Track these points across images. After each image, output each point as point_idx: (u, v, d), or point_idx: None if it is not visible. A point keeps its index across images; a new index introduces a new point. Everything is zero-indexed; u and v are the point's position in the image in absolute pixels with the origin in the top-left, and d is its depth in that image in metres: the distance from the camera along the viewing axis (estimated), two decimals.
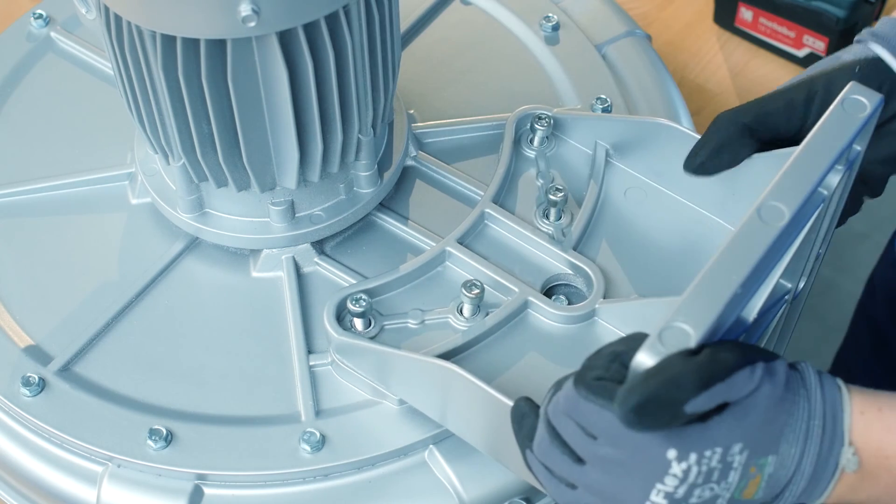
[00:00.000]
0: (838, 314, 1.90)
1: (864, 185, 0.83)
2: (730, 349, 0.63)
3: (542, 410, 0.68)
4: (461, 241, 0.85)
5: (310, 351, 0.84)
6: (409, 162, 0.92)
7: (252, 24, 0.70)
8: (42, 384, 0.83)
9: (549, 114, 0.90)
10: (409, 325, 0.81)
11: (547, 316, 0.81)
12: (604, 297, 0.81)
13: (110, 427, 0.81)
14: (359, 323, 0.80)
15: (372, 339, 0.80)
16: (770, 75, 1.16)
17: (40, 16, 1.02)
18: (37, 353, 0.85)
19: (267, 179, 0.82)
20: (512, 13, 1.03)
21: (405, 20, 1.02)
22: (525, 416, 0.70)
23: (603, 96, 0.96)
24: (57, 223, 0.92)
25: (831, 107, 0.71)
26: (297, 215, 0.87)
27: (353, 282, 0.86)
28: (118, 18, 0.75)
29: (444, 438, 0.81)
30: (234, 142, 0.79)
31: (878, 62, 0.80)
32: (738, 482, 0.64)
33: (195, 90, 0.75)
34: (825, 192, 0.73)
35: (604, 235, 0.86)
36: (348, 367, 0.82)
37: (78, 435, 0.81)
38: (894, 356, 1.24)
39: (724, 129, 0.79)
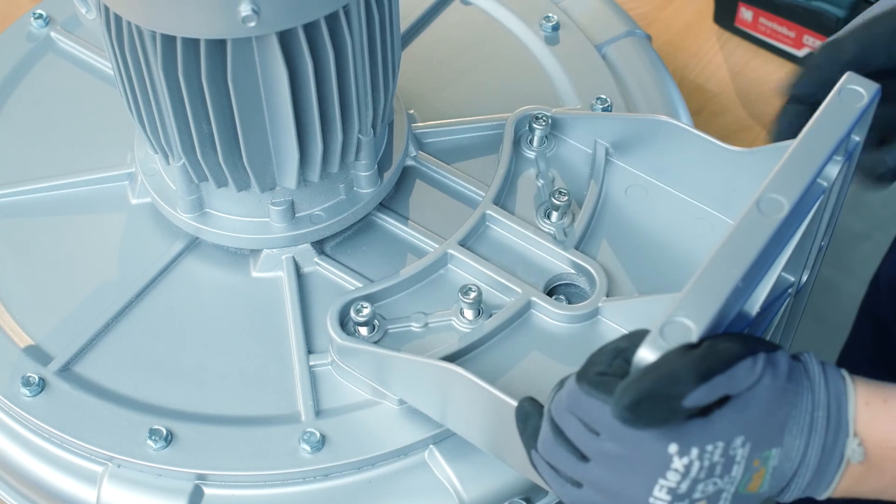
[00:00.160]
0: (839, 314, 1.90)
1: None
2: (730, 341, 0.63)
3: (546, 409, 0.68)
4: (463, 244, 0.85)
5: (310, 351, 0.84)
6: (409, 162, 0.92)
7: (252, 24, 0.70)
8: (42, 384, 0.83)
9: (547, 114, 0.90)
10: (413, 328, 0.81)
11: (550, 316, 0.81)
12: (606, 296, 0.81)
13: (110, 427, 0.81)
14: (363, 329, 0.80)
15: (376, 343, 0.80)
16: (770, 75, 1.16)
17: (40, 16, 1.02)
18: (37, 353, 0.85)
19: (267, 179, 0.82)
20: (512, 13, 1.03)
21: (405, 20, 1.02)
22: (529, 416, 0.70)
23: (603, 96, 0.96)
24: (57, 223, 0.92)
25: (829, 97, 0.71)
26: (297, 215, 0.87)
27: (354, 281, 0.86)
28: (118, 18, 0.75)
29: (444, 438, 0.81)
30: (234, 142, 0.79)
31: None
32: (742, 476, 0.64)
33: (195, 90, 0.75)
34: (825, 184, 0.73)
35: (605, 234, 0.86)
36: (349, 368, 0.81)
37: (78, 435, 0.81)
38: None
39: (825, 71, 0.74)
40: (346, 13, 0.75)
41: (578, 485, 0.66)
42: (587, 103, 0.96)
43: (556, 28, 1.02)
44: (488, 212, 0.86)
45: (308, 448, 0.80)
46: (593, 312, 0.81)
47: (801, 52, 1.15)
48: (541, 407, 0.70)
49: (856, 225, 2.02)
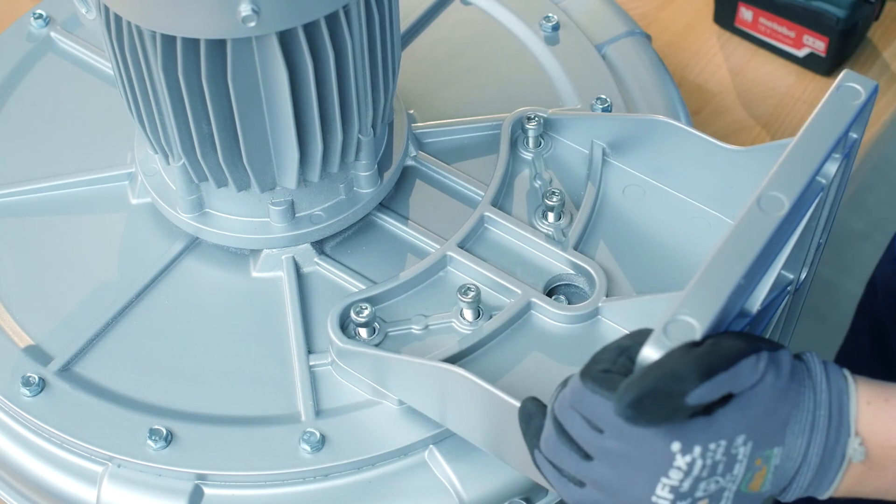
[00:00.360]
0: (838, 314, 1.90)
1: None
2: (733, 339, 0.63)
3: (549, 408, 0.68)
4: (462, 246, 0.85)
5: (310, 351, 0.84)
6: (409, 162, 0.92)
7: (252, 24, 0.70)
8: (42, 384, 0.83)
9: (539, 114, 0.90)
10: (413, 330, 0.81)
11: (550, 316, 0.81)
12: (606, 296, 0.81)
13: (110, 427, 0.81)
14: (363, 331, 0.80)
15: (376, 346, 0.80)
16: (770, 75, 1.16)
17: (40, 16, 1.02)
18: (37, 353, 0.85)
19: (267, 179, 0.82)
20: (512, 13, 1.03)
21: (405, 20, 1.02)
22: (532, 416, 0.70)
23: (603, 96, 0.96)
24: (57, 223, 0.92)
25: (826, 95, 0.72)
26: (297, 215, 0.87)
27: (354, 281, 0.86)
28: (118, 18, 0.75)
29: (444, 438, 0.81)
30: (234, 142, 0.79)
31: None
32: (744, 475, 0.64)
33: (195, 90, 0.75)
34: (823, 181, 0.73)
35: (604, 234, 0.86)
36: (350, 369, 0.82)
37: (78, 435, 0.81)
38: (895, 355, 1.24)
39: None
40: (346, 13, 0.75)
41: (581, 484, 0.66)
42: (587, 103, 0.96)
43: (556, 28, 1.02)
44: (487, 213, 0.86)
45: (308, 448, 0.80)
46: (593, 312, 0.81)
47: (801, 52, 1.15)
48: (544, 407, 0.70)
49: (855, 225, 2.02)
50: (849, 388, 0.66)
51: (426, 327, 0.81)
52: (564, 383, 0.67)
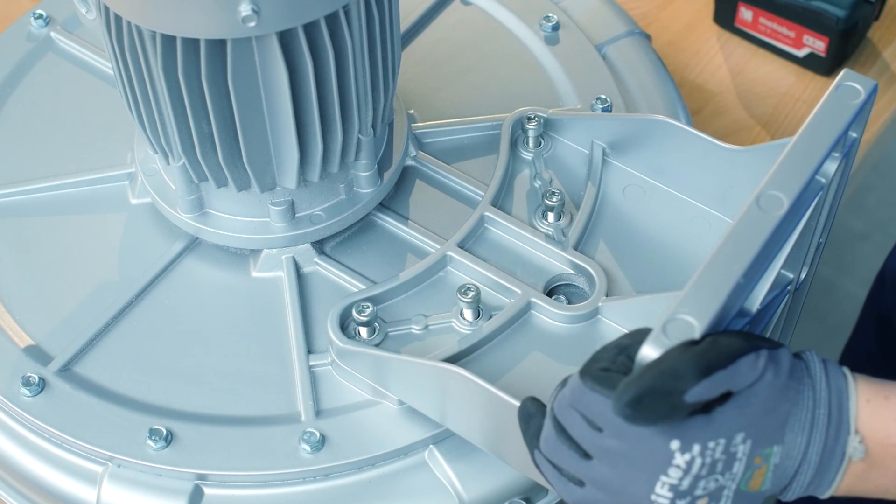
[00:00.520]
0: (838, 314, 1.90)
1: None
2: (732, 337, 0.63)
3: (549, 407, 0.68)
4: (462, 246, 0.85)
5: (310, 351, 0.84)
6: (409, 162, 0.92)
7: (252, 24, 0.70)
8: (42, 384, 0.83)
9: (539, 114, 0.90)
10: (413, 330, 0.81)
11: (550, 316, 0.81)
12: (606, 296, 0.81)
13: (110, 427, 0.81)
14: (363, 331, 0.81)
15: (376, 346, 0.80)
16: (770, 75, 1.16)
17: (40, 16, 1.02)
18: (37, 353, 0.85)
19: (267, 179, 0.82)
20: (512, 13, 1.03)
21: (405, 20, 1.02)
22: (532, 415, 0.70)
23: (603, 96, 0.96)
24: (57, 223, 0.92)
25: (826, 94, 0.72)
26: (297, 215, 0.87)
27: (354, 281, 0.86)
28: (118, 18, 0.75)
29: (444, 438, 0.81)
30: (234, 142, 0.79)
31: None
32: (744, 473, 0.64)
33: (195, 90, 0.75)
34: (823, 181, 0.73)
35: (604, 234, 0.86)
36: (350, 369, 0.82)
37: (78, 435, 0.81)
38: None
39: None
40: (346, 13, 0.75)
41: (581, 483, 0.66)
42: (587, 103, 0.96)
43: (556, 28, 1.02)
44: (487, 213, 0.86)
45: (308, 448, 0.80)
46: (593, 312, 0.81)
47: (801, 53, 1.15)
48: (543, 407, 0.70)
49: (855, 225, 2.02)
50: (848, 386, 0.66)
51: (426, 327, 0.81)
52: (564, 383, 0.67)
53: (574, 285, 0.84)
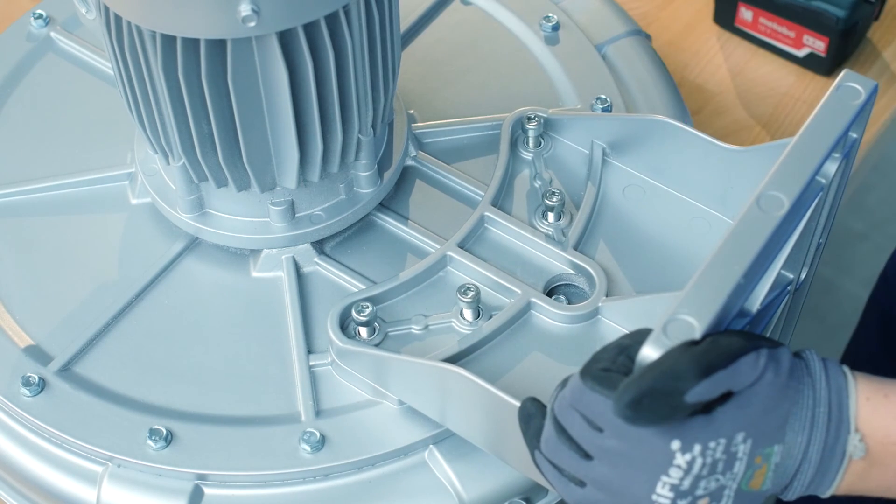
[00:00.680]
0: (838, 314, 1.90)
1: None
2: (732, 336, 0.63)
3: (549, 408, 0.68)
4: (462, 246, 0.85)
5: (310, 351, 0.84)
6: (409, 162, 0.92)
7: (252, 24, 0.70)
8: (42, 384, 0.83)
9: (540, 114, 0.90)
10: (413, 330, 0.81)
11: (550, 316, 0.81)
12: (606, 296, 0.81)
13: (110, 427, 0.81)
14: (363, 331, 0.81)
15: (376, 346, 0.80)
16: (770, 75, 1.16)
17: (40, 16, 1.02)
18: (37, 353, 0.85)
19: (267, 179, 0.82)
20: (512, 13, 1.03)
21: (405, 20, 1.02)
22: (532, 416, 0.70)
23: (603, 96, 0.96)
24: (57, 223, 0.92)
25: (826, 95, 0.72)
26: (297, 215, 0.87)
27: (354, 281, 0.86)
28: (118, 18, 0.75)
29: (444, 438, 0.81)
30: (234, 142, 0.79)
31: None
32: (745, 472, 0.64)
33: (195, 90, 0.75)
34: (823, 181, 0.73)
35: (604, 234, 0.86)
36: (350, 369, 0.82)
37: (78, 435, 0.81)
38: None
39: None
40: (346, 13, 0.75)
41: (582, 484, 0.66)
42: (587, 103, 0.96)
43: (556, 28, 1.02)
44: (486, 213, 0.86)
45: (308, 448, 0.80)
46: (593, 312, 0.81)
47: (801, 53, 1.15)
48: (543, 407, 0.70)
49: (855, 225, 2.02)
50: (848, 384, 0.66)
51: (426, 327, 0.81)
52: (564, 383, 0.67)
53: (574, 285, 0.84)
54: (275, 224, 0.86)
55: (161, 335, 0.85)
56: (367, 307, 0.80)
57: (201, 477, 0.80)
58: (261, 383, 0.83)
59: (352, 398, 0.82)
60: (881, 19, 1.18)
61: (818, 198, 0.73)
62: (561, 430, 0.66)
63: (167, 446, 0.80)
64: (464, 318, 0.81)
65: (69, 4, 1.00)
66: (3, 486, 0.85)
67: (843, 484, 0.67)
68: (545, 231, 0.86)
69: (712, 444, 0.63)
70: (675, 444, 0.62)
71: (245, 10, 0.70)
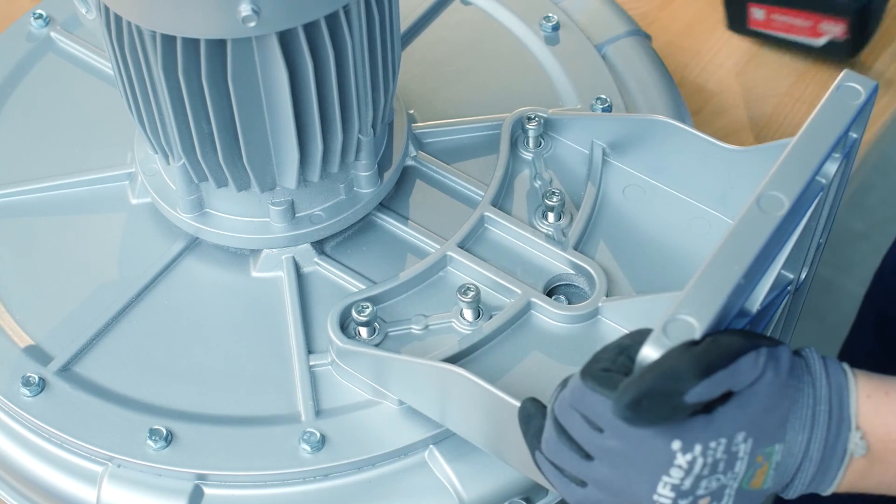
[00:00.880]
0: (838, 314, 1.90)
1: None
2: (732, 336, 0.63)
3: (549, 408, 0.68)
4: (462, 246, 0.85)
5: (310, 351, 0.84)
6: (409, 162, 0.92)
7: (252, 24, 0.70)
8: (42, 384, 0.83)
9: (540, 114, 0.90)
10: (413, 330, 0.81)
11: (550, 316, 0.81)
12: (606, 296, 0.81)
13: (110, 427, 0.81)
14: (363, 331, 0.81)
15: (376, 346, 0.80)
16: (770, 75, 1.16)
17: (40, 16, 1.02)
18: (37, 353, 0.85)
19: (267, 179, 0.82)
20: (512, 13, 1.03)
21: (405, 20, 1.02)
22: (532, 416, 0.70)
23: (603, 96, 0.96)
24: (57, 223, 0.92)
25: (826, 95, 0.72)
26: (297, 215, 0.87)
27: (354, 281, 0.86)
28: (118, 18, 0.75)
29: (444, 438, 0.81)
30: (234, 142, 0.79)
31: None
32: (746, 472, 0.64)
33: (195, 90, 0.75)
34: (823, 181, 0.73)
35: (604, 234, 0.86)
36: (350, 369, 0.82)
37: (78, 435, 0.81)
38: None
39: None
40: (346, 13, 0.75)
41: (583, 484, 0.66)
42: (587, 103, 0.96)
43: (556, 28, 1.02)
44: (487, 213, 0.86)
45: (308, 448, 0.80)
46: (593, 312, 0.81)
47: (820, 41, 1.11)
48: (543, 407, 0.70)
49: (855, 225, 2.02)
50: (848, 382, 0.66)
51: (426, 327, 0.81)
52: (564, 383, 0.67)
53: (574, 285, 0.84)
54: (275, 224, 0.86)
55: (161, 335, 0.85)
56: (367, 307, 0.80)
57: (201, 477, 0.80)
58: (261, 383, 0.83)
59: (352, 398, 0.82)
60: (881, 19, 1.18)
61: (818, 198, 0.73)
62: (561, 430, 0.66)
63: (167, 446, 0.80)
64: (464, 318, 0.81)
65: (69, 4, 1.00)
66: (3, 486, 0.85)
67: (844, 482, 0.67)
68: (545, 231, 0.86)
69: (713, 444, 0.63)
70: (676, 445, 0.62)
71: (245, 10, 0.70)
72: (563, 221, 0.86)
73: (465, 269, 0.84)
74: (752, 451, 0.64)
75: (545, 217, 0.86)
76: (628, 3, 1.19)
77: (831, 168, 0.73)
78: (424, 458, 0.81)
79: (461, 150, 0.93)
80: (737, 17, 1.17)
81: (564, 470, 0.67)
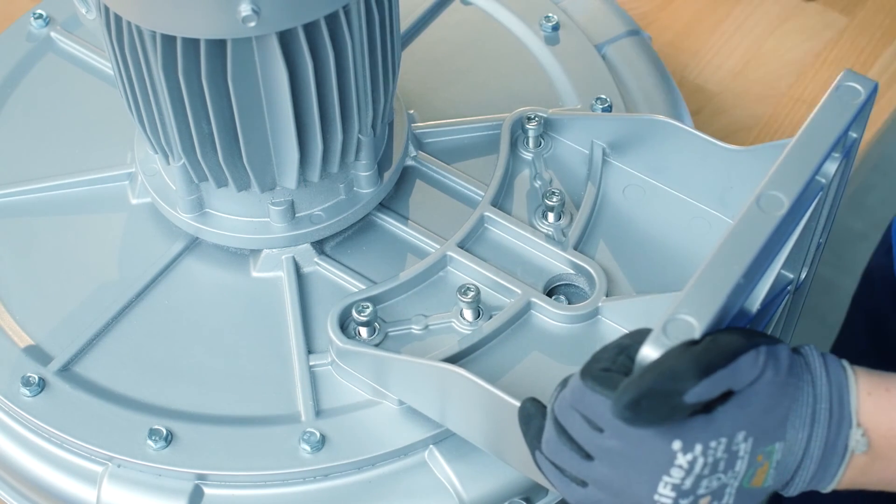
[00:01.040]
0: (838, 314, 1.89)
1: None
2: (731, 335, 0.63)
3: (549, 408, 0.68)
4: (462, 246, 0.85)
5: (310, 351, 0.84)
6: (409, 162, 0.92)
7: (252, 24, 0.70)
8: (42, 384, 0.83)
9: (540, 114, 0.90)
10: (413, 330, 0.81)
11: (550, 316, 0.81)
12: (606, 296, 0.81)
13: (110, 427, 0.81)
14: (363, 331, 0.81)
15: (376, 346, 0.80)
16: (770, 75, 1.16)
17: (40, 16, 1.02)
18: (37, 353, 0.85)
19: (267, 179, 0.82)
20: (512, 13, 1.03)
21: (405, 20, 1.02)
22: (532, 416, 0.70)
23: (603, 96, 0.96)
24: (57, 223, 0.92)
25: (826, 95, 0.72)
26: (297, 215, 0.87)
27: (354, 281, 0.86)
28: (118, 18, 0.75)
29: (444, 438, 0.81)
30: (234, 142, 0.79)
31: None
32: (746, 471, 0.64)
33: (195, 90, 0.75)
34: (823, 181, 0.73)
35: (604, 234, 0.86)
36: (350, 369, 0.82)
37: (78, 435, 0.81)
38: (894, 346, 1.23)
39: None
40: (346, 13, 0.75)
41: (583, 484, 0.66)
42: (587, 103, 0.96)
43: (556, 28, 1.02)
44: (486, 213, 0.86)
45: (308, 448, 0.80)
46: (593, 312, 0.81)
47: None
48: (543, 407, 0.70)
49: (855, 225, 2.02)
50: (848, 379, 0.66)
51: (426, 327, 0.81)
52: (564, 383, 0.67)
53: (574, 285, 0.84)
54: (275, 224, 0.86)
55: (161, 335, 0.85)
56: (368, 307, 0.80)
57: (201, 477, 0.80)
58: (261, 383, 0.83)
59: (352, 398, 0.82)
60: (881, 19, 1.18)
61: (818, 198, 0.73)
62: (561, 430, 0.66)
63: (167, 446, 0.80)
64: (464, 318, 0.81)
65: (69, 4, 1.00)
66: (3, 486, 0.85)
67: (845, 479, 0.66)
68: (545, 231, 0.86)
69: (713, 444, 0.63)
70: (677, 445, 0.62)
71: (245, 10, 0.70)
72: (563, 221, 0.86)
73: (465, 269, 0.84)
74: (752, 450, 0.64)
75: (545, 217, 0.86)
76: (628, 3, 1.19)
77: (831, 168, 0.73)
78: (424, 458, 0.81)
79: (461, 150, 0.93)
80: None
81: (565, 470, 0.67)
